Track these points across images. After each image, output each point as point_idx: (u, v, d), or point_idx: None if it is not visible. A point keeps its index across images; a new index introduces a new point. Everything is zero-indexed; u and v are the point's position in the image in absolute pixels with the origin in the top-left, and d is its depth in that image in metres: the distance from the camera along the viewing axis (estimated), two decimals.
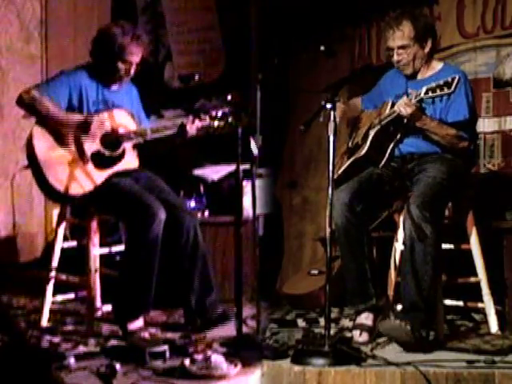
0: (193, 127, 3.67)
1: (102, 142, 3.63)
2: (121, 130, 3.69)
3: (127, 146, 3.70)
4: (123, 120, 3.73)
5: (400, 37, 3.49)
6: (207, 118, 3.69)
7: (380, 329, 3.29)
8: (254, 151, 3.39)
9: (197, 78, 3.77)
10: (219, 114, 3.67)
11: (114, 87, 3.77)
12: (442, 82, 3.31)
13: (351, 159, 3.64)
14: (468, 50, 4.77)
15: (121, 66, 3.68)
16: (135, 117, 3.80)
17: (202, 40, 5.78)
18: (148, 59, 3.79)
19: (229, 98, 3.54)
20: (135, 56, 3.69)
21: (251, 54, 5.34)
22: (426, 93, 3.35)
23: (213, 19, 5.69)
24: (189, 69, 5.67)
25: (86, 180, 3.57)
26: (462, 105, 3.49)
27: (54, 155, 3.55)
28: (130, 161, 3.73)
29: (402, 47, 3.51)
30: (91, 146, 3.61)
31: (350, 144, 3.82)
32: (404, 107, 3.41)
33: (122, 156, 3.68)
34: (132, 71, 3.73)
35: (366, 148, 3.58)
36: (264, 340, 3.35)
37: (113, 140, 3.66)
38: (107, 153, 3.63)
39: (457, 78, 3.29)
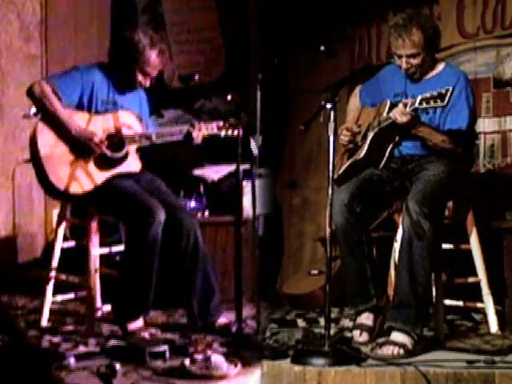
0: (199, 136, 3.66)
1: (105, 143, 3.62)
2: (125, 131, 3.67)
3: (131, 148, 3.67)
4: (128, 121, 3.70)
5: (410, 46, 3.42)
6: (215, 127, 3.69)
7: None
8: (254, 151, 3.40)
9: (197, 77, 3.77)
10: (227, 123, 3.67)
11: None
12: (435, 94, 3.26)
13: (350, 160, 3.64)
14: (468, 49, 4.77)
15: (140, 77, 3.66)
16: (143, 120, 3.78)
17: (202, 40, 5.78)
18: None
19: (229, 97, 3.54)
20: (156, 70, 3.68)
21: (251, 54, 5.34)
22: (420, 103, 3.31)
23: (213, 19, 5.69)
24: (189, 69, 5.67)
25: (87, 179, 3.56)
26: (461, 112, 3.46)
27: (56, 152, 3.54)
28: (133, 164, 3.70)
29: (412, 56, 3.46)
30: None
31: None
32: (400, 115, 3.38)
33: (124, 158, 3.65)
34: (148, 83, 3.71)
35: (364, 150, 3.56)
36: (264, 340, 3.35)
37: (116, 141, 3.64)
38: (109, 154, 3.61)
39: (450, 89, 3.24)
